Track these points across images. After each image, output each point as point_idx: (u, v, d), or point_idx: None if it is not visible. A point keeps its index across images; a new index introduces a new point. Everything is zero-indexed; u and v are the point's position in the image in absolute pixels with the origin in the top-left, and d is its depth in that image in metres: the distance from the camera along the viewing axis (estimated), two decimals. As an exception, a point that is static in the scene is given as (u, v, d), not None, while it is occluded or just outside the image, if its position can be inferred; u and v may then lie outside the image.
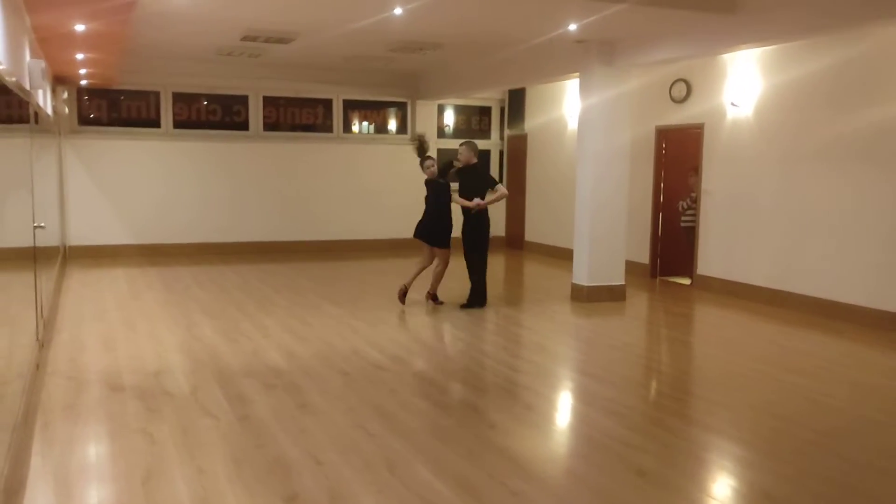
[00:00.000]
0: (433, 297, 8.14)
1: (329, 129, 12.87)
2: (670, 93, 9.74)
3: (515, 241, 13.54)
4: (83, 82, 10.97)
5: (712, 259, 9.24)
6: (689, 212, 9.60)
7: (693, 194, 9.53)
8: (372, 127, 13.33)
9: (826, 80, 7.78)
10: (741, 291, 8.76)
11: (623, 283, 8.68)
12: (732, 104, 8.83)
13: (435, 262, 8.04)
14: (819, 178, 7.90)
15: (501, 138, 14.03)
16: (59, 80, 10.68)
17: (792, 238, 8.21)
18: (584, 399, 5.24)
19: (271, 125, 12.50)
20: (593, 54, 8.30)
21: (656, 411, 4.95)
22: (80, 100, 11.49)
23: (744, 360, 6.15)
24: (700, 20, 6.89)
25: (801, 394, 5.28)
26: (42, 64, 5.89)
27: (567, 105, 11.94)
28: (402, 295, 7.98)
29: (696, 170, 9.45)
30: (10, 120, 4.53)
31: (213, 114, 12.22)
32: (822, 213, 7.88)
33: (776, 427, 4.60)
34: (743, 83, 8.72)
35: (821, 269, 7.88)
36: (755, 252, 8.66)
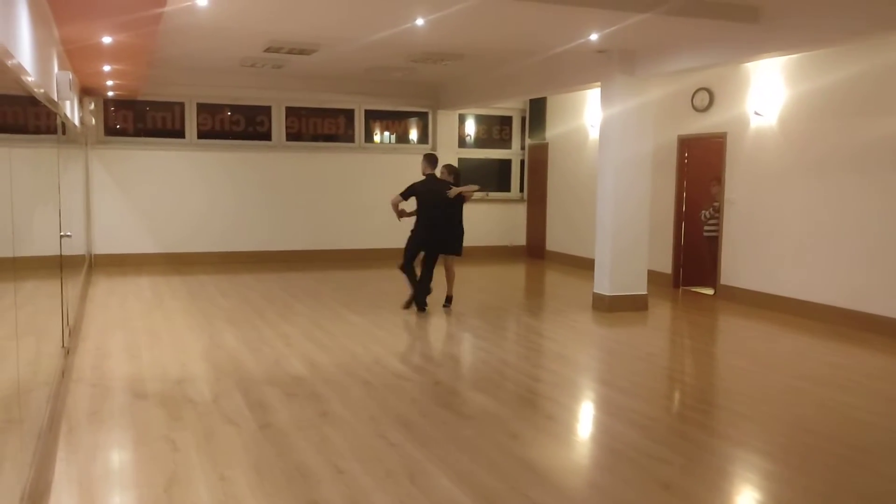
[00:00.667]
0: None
1: (351, 138, 12.95)
2: (692, 102, 9.69)
3: (536, 250, 13.50)
4: (110, 93, 11.14)
5: (736, 269, 9.15)
6: (711, 221, 9.52)
7: (716, 204, 9.46)
8: (393, 137, 13.39)
9: (851, 89, 7.69)
10: (766, 302, 8.66)
11: (645, 292, 8.62)
12: (756, 113, 8.76)
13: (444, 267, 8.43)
14: (845, 187, 7.80)
15: (522, 147, 14.02)
16: (86, 92, 10.84)
17: (819, 248, 8.11)
18: (607, 410, 5.19)
19: (294, 135, 12.60)
20: (614, 64, 8.28)
21: (681, 423, 4.90)
22: (106, 111, 11.66)
23: (770, 372, 6.06)
24: (722, 29, 6.85)
25: (831, 407, 5.20)
26: (69, 75, 5.99)
27: (588, 114, 11.92)
28: (448, 300, 8.40)
29: (718, 179, 9.38)
30: (38, 130, 4.60)
31: (237, 124, 12.34)
32: (850, 223, 7.77)
33: (805, 441, 4.53)
34: (766, 92, 8.65)
35: (849, 279, 7.77)
36: (780, 262, 8.56)
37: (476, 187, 8.43)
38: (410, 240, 8.24)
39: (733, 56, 7.36)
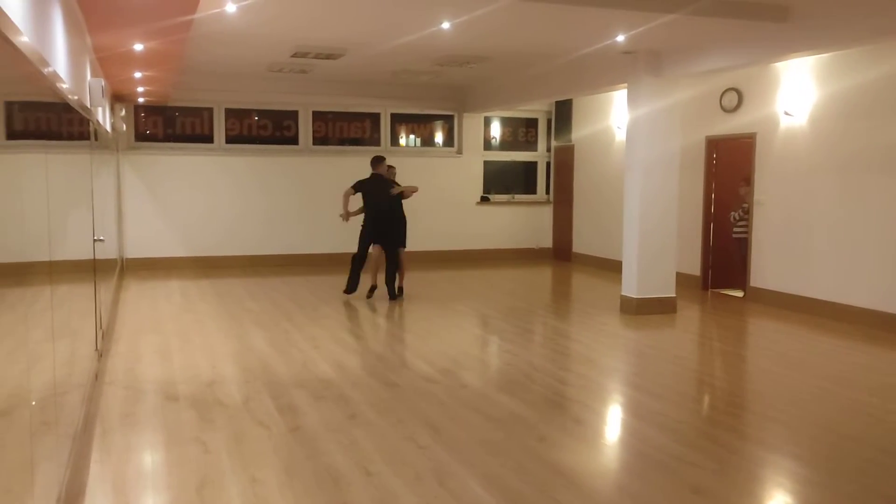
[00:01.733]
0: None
1: (377, 142, 13.01)
2: (721, 102, 9.59)
3: (563, 252, 13.45)
4: (140, 100, 11.32)
5: (766, 271, 9.03)
6: (741, 223, 9.41)
7: (745, 205, 9.35)
8: (419, 140, 13.43)
9: (883, 88, 7.56)
10: (797, 304, 8.54)
11: (674, 294, 8.54)
12: (786, 113, 8.65)
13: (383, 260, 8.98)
14: (877, 187, 7.67)
15: (548, 149, 13.98)
16: (118, 98, 11.03)
17: (851, 249, 7.98)
18: (636, 413, 5.16)
19: (320, 139, 12.70)
20: (641, 65, 8.23)
21: (710, 427, 4.85)
22: (136, 116, 11.84)
23: (801, 375, 5.98)
24: (751, 29, 6.78)
25: (863, 410, 5.11)
26: (102, 82, 6.09)
27: (614, 115, 11.85)
28: (399, 291, 9.04)
29: (747, 180, 9.27)
30: (72, 137, 4.69)
31: (264, 129, 12.47)
32: (882, 224, 7.63)
33: (836, 444, 4.46)
34: (797, 92, 8.53)
35: (880, 280, 7.63)
36: (812, 264, 8.44)
37: (416, 188, 9.17)
38: (362, 234, 9.00)
39: (762, 56, 7.27)
